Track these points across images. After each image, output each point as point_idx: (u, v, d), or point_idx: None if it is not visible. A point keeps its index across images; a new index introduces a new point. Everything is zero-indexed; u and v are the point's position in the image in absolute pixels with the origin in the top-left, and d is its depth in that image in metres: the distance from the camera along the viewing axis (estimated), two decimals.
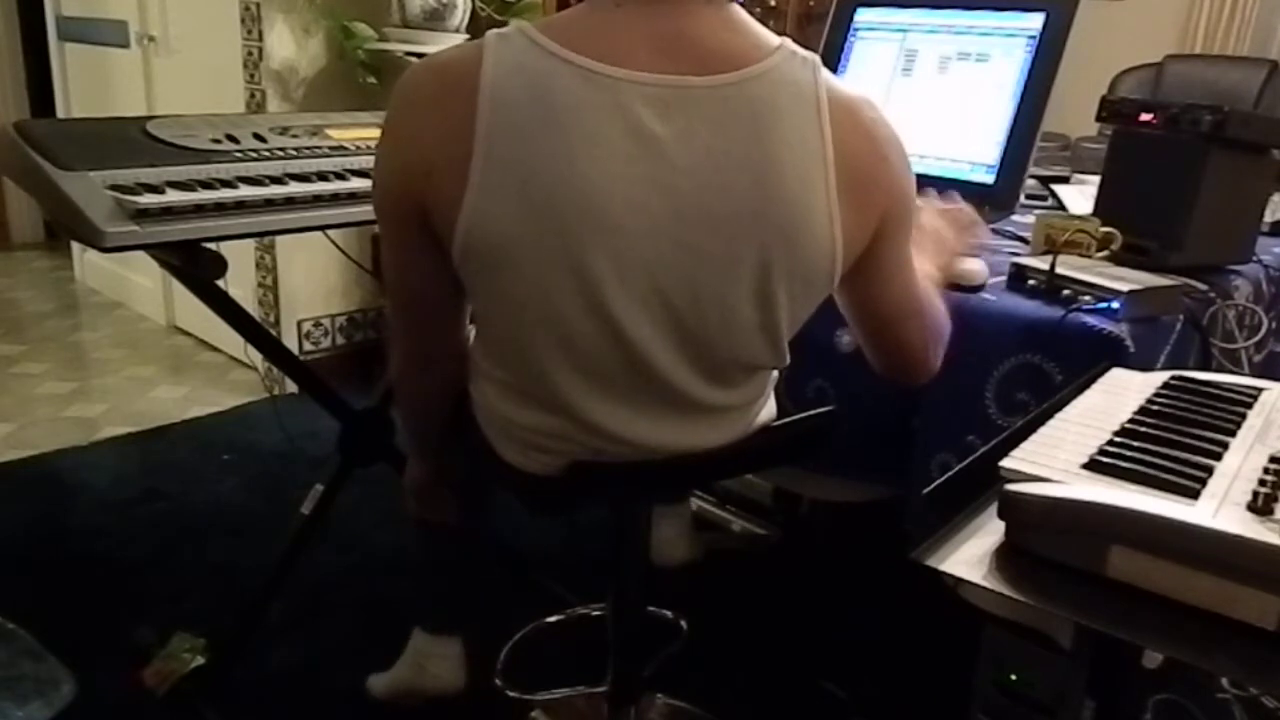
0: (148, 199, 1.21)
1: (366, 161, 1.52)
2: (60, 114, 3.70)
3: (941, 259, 1.22)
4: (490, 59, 0.86)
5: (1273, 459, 0.79)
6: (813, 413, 1.15)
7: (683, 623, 1.69)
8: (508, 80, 0.85)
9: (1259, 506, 0.69)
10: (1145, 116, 1.42)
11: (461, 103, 0.85)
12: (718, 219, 0.89)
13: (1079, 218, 1.48)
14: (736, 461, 1.17)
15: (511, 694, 1.58)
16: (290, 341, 2.92)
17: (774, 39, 0.92)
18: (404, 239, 0.95)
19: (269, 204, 1.35)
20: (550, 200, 0.86)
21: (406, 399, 1.18)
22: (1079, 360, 1.15)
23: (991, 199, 1.53)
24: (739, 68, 0.88)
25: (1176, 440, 0.83)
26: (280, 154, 1.44)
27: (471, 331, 1.13)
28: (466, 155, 0.85)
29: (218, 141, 1.41)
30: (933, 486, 0.79)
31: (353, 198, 1.45)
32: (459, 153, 0.86)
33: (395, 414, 1.26)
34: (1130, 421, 0.88)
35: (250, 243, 2.87)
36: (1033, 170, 1.62)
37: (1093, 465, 0.77)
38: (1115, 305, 1.20)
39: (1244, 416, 0.90)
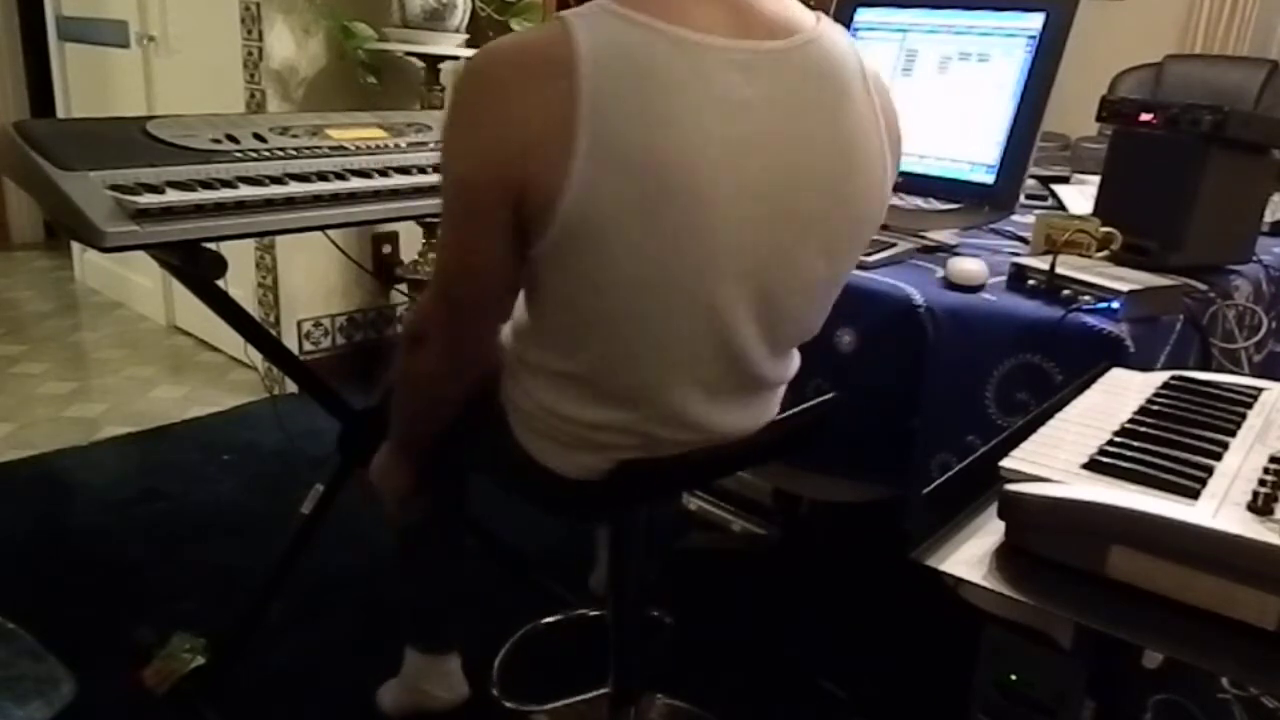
0: (148, 199, 1.21)
1: (366, 161, 1.52)
2: (60, 114, 3.69)
3: None
4: (581, 34, 0.86)
5: (1273, 459, 0.79)
6: (822, 399, 1.21)
7: (667, 619, 1.69)
8: (605, 52, 0.86)
9: (1259, 506, 0.69)
10: (1145, 116, 1.42)
11: (559, 79, 0.85)
12: (799, 176, 0.94)
13: (1079, 218, 1.48)
14: (763, 450, 1.18)
15: (509, 704, 1.57)
16: (290, 341, 2.92)
17: (809, 11, 0.98)
18: (481, 225, 0.92)
19: (269, 204, 1.35)
20: (657, 169, 0.87)
21: (424, 401, 1.13)
22: (1079, 360, 1.15)
23: (991, 199, 1.53)
24: (796, 33, 0.94)
25: (1176, 440, 0.83)
26: (280, 154, 1.44)
27: (505, 330, 1.10)
28: (570, 131, 0.85)
29: (218, 141, 1.41)
30: (933, 486, 0.79)
31: (353, 198, 1.45)
32: (562, 129, 0.85)
33: (396, 414, 1.20)
34: (1130, 421, 0.88)
35: (250, 243, 2.87)
36: (1033, 170, 1.62)
37: (1093, 465, 0.77)
38: (1115, 305, 1.20)
39: (1244, 416, 0.90)
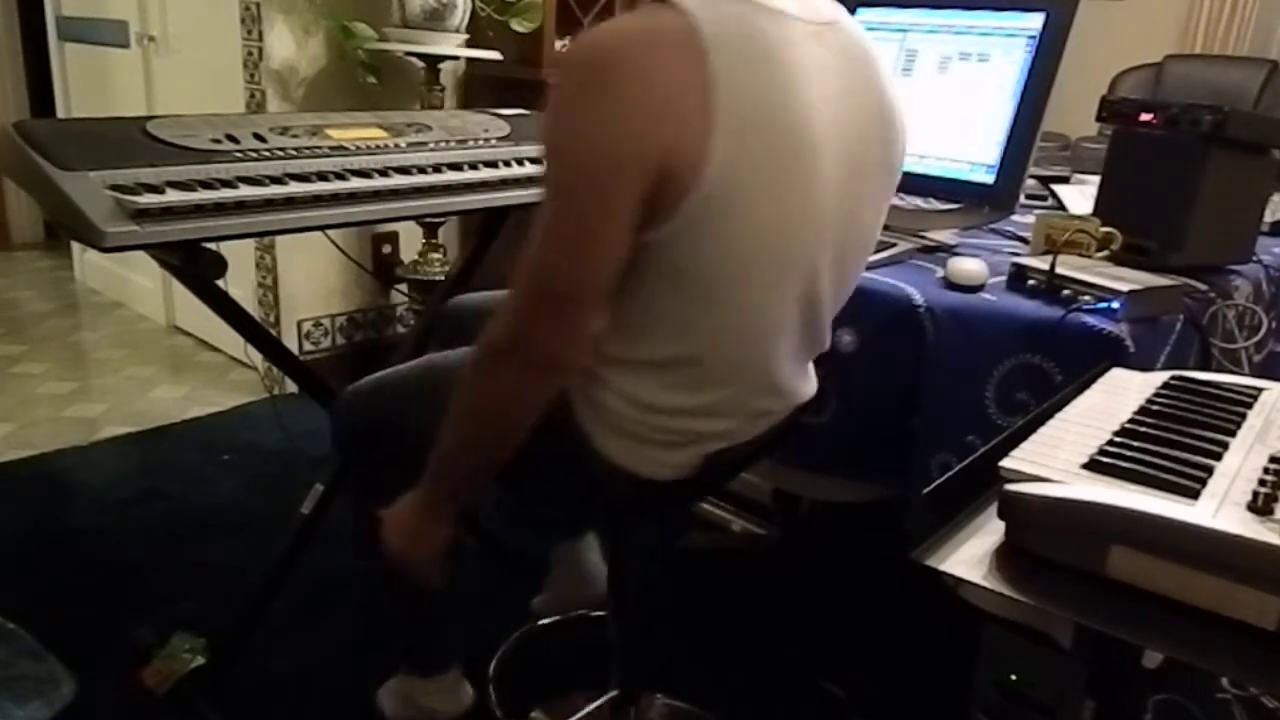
0: (148, 199, 1.21)
1: (366, 161, 1.52)
2: (60, 114, 3.69)
3: None
4: (696, 11, 0.89)
5: (1273, 459, 0.79)
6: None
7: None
8: (722, 27, 0.89)
9: (1259, 506, 0.69)
10: (1145, 116, 1.42)
11: (688, 54, 0.87)
12: (862, 135, 1.02)
13: (1079, 218, 1.48)
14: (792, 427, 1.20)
15: None
16: (290, 341, 2.92)
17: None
18: (610, 209, 0.87)
19: (269, 204, 1.35)
20: (785, 134, 0.92)
21: (499, 425, 0.99)
22: (1079, 360, 1.15)
23: (991, 199, 1.53)
24: (832, 14, 1.02)
25: (1176, 440, 0.83)
26: (280, 154, 1.44)
27: None
28: (707, 103, 0.87)
29: (218, 141, 1.41)
30: (933, 486, 0.79)
31: (353, 198, 1.44)
32: (699, 101, 0.87)
33: (450, 458, 1.04)
34: (1130, 421, 0.88)
35: (250, 243, 2.87)
36: (1033, 170, 1.62)
37: (1093, 465, 0.77)
38: (1115, 305, 1.20)
39: (1244, 416, 0.91)
